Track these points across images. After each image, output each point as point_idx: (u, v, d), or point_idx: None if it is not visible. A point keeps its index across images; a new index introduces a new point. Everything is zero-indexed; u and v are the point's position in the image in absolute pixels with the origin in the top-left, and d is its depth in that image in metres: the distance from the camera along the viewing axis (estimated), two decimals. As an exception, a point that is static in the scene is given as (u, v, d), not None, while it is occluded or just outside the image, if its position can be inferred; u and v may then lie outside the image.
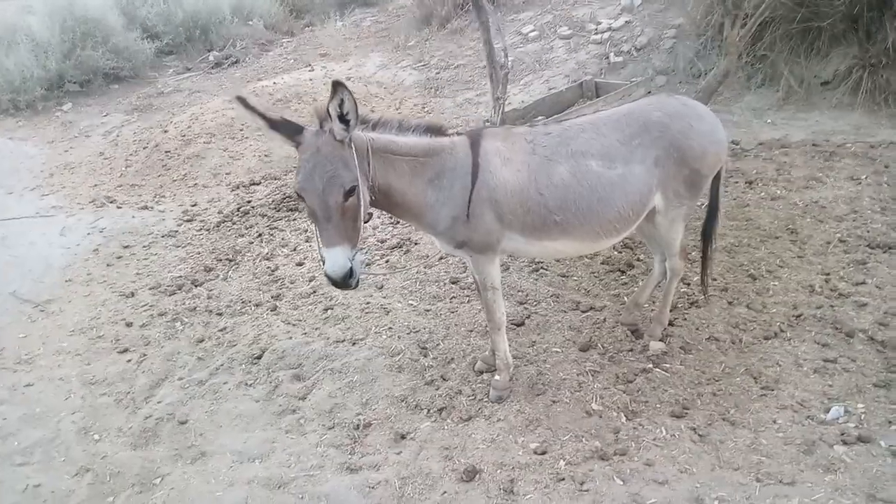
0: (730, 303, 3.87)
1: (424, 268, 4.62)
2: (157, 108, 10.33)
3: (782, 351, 3.40)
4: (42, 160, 8.40)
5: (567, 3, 10.45)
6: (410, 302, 4.22)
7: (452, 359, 3.63)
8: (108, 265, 5.27)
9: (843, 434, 2.81)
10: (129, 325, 4.38)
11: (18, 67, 10.28)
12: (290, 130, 2.60)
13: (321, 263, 2.70)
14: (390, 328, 3.95)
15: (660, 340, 3.53)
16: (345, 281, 2.58)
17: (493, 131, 3.01)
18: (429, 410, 3.27)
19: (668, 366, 3.38)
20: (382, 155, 2.77)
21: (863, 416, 2.92)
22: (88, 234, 5.86)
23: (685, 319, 3.74)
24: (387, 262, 4.79)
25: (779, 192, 5.18)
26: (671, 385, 3.24)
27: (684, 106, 3.08)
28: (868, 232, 4.36)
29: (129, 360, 3.97)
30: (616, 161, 2.93)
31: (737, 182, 5.43)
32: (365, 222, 2.76)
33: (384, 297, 4.33)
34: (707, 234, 3.45)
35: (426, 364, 3.61)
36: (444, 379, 3.48)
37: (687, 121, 3.01)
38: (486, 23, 5.51)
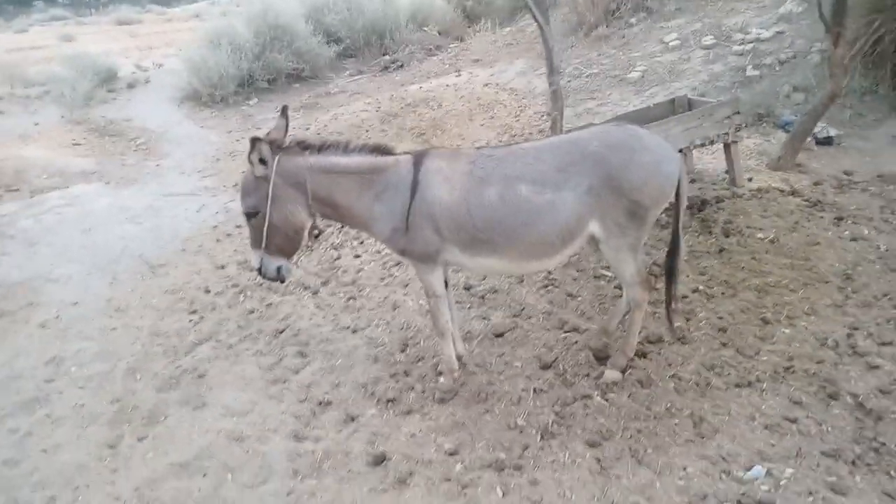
0: (723, 344, 3.65)
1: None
2: (321, 106, 11.61)
3: (744, 402, 3.19)
4: (217, 146, 10.00)
5: (721, 10, 9.79)
6: (421, 301, 4.56)
7: (423, 357, 3.93)
8: (217, 240, 6.31)
9: (743, 495, 2.63)
10: (207, 291, 5.28)
11: (218, 66, 12.20)
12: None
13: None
14: (388, 322, 4.35)
15: (621, 371, 3.49)
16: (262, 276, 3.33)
17: (438, 152, 3.26)
18: (379, 400, 3.62)
19: (613, 396, 3.34)
20: (327, 174, 3.19)
21: (785, 482, 2.69)
22: (217, 212, 7.01)
23: (660, 354, 3.62)
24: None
25: (866, 232, 4.64)
26: (605, 415, 3.22)
27: (628, 136, 3.05)
28: (945, 289, 3.78)
29: (191, 321, 4.83)
30: (546, 187, 3.02)
31: (823, 217, 4.91)
32: (316, 236, 3.25)
33: (404, 295, 4.72)
34: (669, 270, 3.33)
35: (398, 359, 3.96)
36: (406, 374, 3.80)
37: (627, 152, 2.99)
38: (546, 37, 5.57)
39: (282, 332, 4.50)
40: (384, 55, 14.73)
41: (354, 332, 4.34)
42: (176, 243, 6.32)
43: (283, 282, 3.42)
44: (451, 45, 14.90)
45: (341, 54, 14.79)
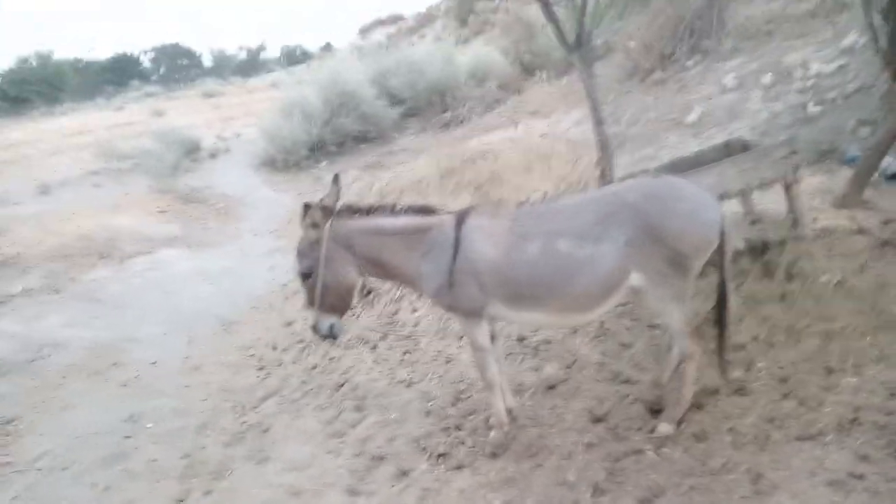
0: (784, 395, 3.51)
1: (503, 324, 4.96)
2: (384, 165, 12.10)
3: (806, 456, 3.05)
4: (289, 208, 10.55)
5: (780, 48, 9.62)
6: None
7: (475, 411, 3.97)
8: (286, 298, 6.63)
9: (802, 557, 2.51)
10: (274, 348, 5.55)
11: (291, 134, 12.99)
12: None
13: None
14: (441, 376, 4.43)
15: (675, 424, 3.41)
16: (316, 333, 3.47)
17: (480, 209, 3.39)
18: (431, 454, 3.67)
19: (666, 451, 3.27)
20: (375, 236, 3.37)
21: (850, 544, 2.54)
22: (287, 271, 7.37)
23: (717, 406, 3.51)
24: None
25: (943, 272, 4.37)
26: (657, 471, 3.15)
27: (666, 186, 3.10)
28: None
29: (258, 377, 5.08)
30: (586, 241, 3.08)
31: (894, 257, 4.68)
32: (367, 294, 3.42)
33: (458, 348, 4.80)
34: (718, 319, 3.27)
35: (450, 413, 4.01)
36: (457, 428, 3.85)
37: (664, 201, 3.03)
38: (590, 90, 5.66)
39: (341, 385, 4.66)
40: (445, 112, 15.21)
41: (409, 385, 4.44)
42: (248, 301, 6.68)
43: (335, 338, 3.57)
44: (511, 99, 15.22)
45: (404, 114, 15.40)
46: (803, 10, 9.98)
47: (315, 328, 3.48)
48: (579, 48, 5.43)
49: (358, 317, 5.87)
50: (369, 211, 3.44)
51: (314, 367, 5.08)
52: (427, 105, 15.40)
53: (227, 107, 25.84)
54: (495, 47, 17.73)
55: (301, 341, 5.56)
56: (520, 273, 3.17)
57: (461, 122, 14.14)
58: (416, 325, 5.40)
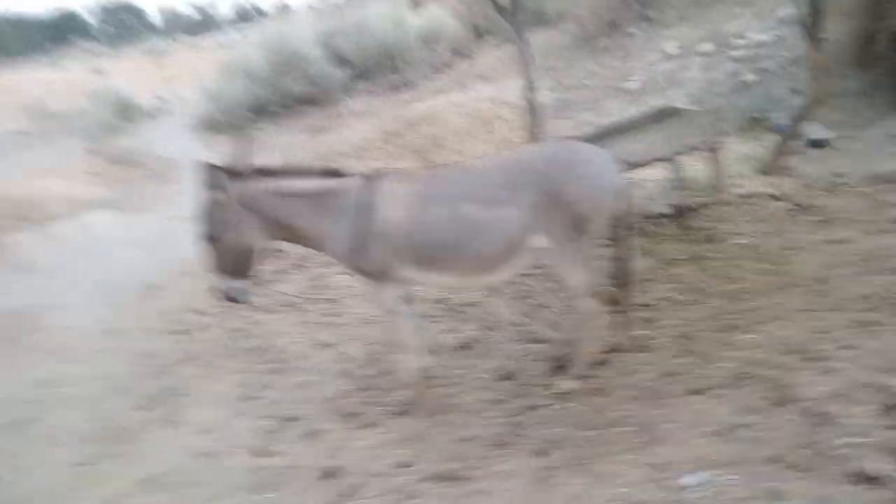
0: (685, 351, 3.61)
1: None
2: (329, 128, 11.88)
3: (694, 409, 3.14)
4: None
5: (722, 16, 9.71)
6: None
7: (390, 371, 3.98)
8: (215, 262, 6.48)
9: (678, 502, 2.60)
10: (198, 312, 5.43)
11: (233, 95, 12.61)
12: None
13: None
14: (361, 338, 4.42)
15: (577, 380, 3.48)
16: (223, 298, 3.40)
17: (391, 174, 3.34)
18: (342, 414, 3.68)
19: (569, 405, 3.34)
20: (283, 199, 3.29)
21: (723, 488, 2.65)
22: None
23: (621, 363, 3.60)
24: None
25: (849, 234, 4.55)
26: (556, 424, 3.23)
27: (569, 151, 3.12)
28: (918, 290, 3.69)
29: (179, 341, 4.99)
30: (491, 204, 3.09)
31: (809, 220, 4.84)
32: (274, 258, 3.36)
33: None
34: (622, 280, 3.34)
35: (366, 373, 4.02)
36: (371, 388, 3.87)
37: (567, 166, 3.06)
38: (523, 54, 5.62)
39: (261, 349, 4.61)
40: (394, 75, 14.93)
41: (328, 347, 4.42)
42: (176, 266, 6.52)
43: (244, 303, 3.49)
44: (461, 64, 15.04)
45: (353, 77, 15.04)
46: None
47: (220, 293, 3.40)
48: (514, 13, 5.36)
49: (286, 281, 5.81)
50: (277, 173, 3.35)
51: (237, 331, 5.00)
52: (377, 68, 15.08)
53: (173, 66, 24.93)
54: (448, 10, 17.41)
55: (226, 305, 5.46)
56: (427, 236, 3.16)
57: (411, 85, 13.93)
58: (343, 288, 5.36)
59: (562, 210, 3.05)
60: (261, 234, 3.35)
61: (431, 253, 3.19)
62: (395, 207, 3.21)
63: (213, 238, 3.30)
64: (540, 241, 3.14)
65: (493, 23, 16.63)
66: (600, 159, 3.12)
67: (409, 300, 3.61)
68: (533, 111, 5.67)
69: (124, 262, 6.75)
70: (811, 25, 5.13)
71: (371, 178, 3.31)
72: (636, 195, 3.31)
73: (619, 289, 3.38)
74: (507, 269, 3.23)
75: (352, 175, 3.39)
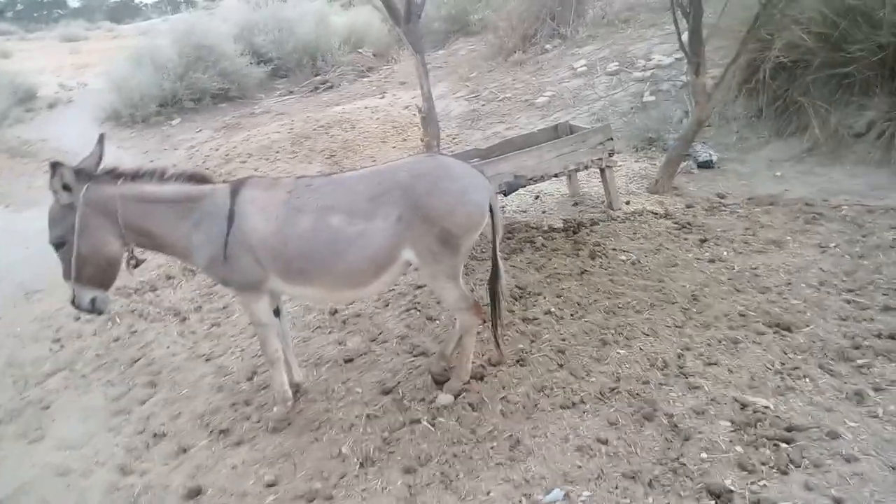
0: (560, 365, 3.70)
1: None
2: (242, 126, 11.52)
3: (564, 423, 3.23)
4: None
5: (629, 37, 10.10)
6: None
7: (267, 386, 3.88)
8: (102, 266, 6.16)
9: (531, 519, 2.66)
10: (76, 319, 5.14)
11: (139, 86, 12.03)
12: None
13: None
14: (244, 350, 4.30)
15: (454, 395, 3.51)
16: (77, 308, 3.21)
17: (256, 181, 3.27)
18: (213, 430, 3.56)
19: (442, 420, 3.36)
20: (140, 203, 3.14)
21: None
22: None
23: (496, 377, 3.65)
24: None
25: (726, 254, 4.79)
26: (428, 440, 3.23)
27: (436, 166, 3.13)
28: (780, 309, 3.93)
29: (51, 349, 4.71)
30: (357, 217, 3.05)
31: (688, 239, 5.06)
32: (135, 266, 3.20)
33: (269, 320, 4.67)
34: (491, 295, 3.39)
35: (243, 388, 3.91)
36: (246, 404, 3.75)
37: (433, 181, 3.06)
38: (419, 66, 5.65)
39: (137, 360, 4.42)
40: (316, 76, 14.70)
41: (208, 360, 4.28)
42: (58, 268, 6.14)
43: (100, 313, 3.31)
44: (384, 68, 14.98)
45: (272, 75, 14.71)
46: (661, 1, 10.49)
47: (74, 302, 3.22)
48: (408, 22, 5.37)
49: (177, 288, 5.59)
50: (135, 176, 3.20)
51: (115, 340, 4.77)
52: (297, 66, 14.83)
53: (86, 53, 23.60)
54: (375, 13, 17.31)
55: (108, 312, 5.19)
56: (291, 247, 3.09)
57: (331, 87, 13.76)
58: (232, 296, 5.19)
59: (428, 225, 3.05)
60: (118, 241, 3.19)
61: (297, 265, 3.12)
62: (261, 216, 3.13)
63: (61, 243, 3.12)
64: (409, 255, 3.14)
65: (422, 28, 16.73)
66: (468, 175, 3.15)
67: (278, 312, 3.55)
68: (428, 122, 5.70)
69: (3, 263, 6.31)
70: (690, 51, 5.39)
71: (238, 185, 3.22)
72: (506, 212, 3.35)
73: (490, 303, 3.43)
74: (376, 284, 3.20)
75: (218, 181, 3.30)
